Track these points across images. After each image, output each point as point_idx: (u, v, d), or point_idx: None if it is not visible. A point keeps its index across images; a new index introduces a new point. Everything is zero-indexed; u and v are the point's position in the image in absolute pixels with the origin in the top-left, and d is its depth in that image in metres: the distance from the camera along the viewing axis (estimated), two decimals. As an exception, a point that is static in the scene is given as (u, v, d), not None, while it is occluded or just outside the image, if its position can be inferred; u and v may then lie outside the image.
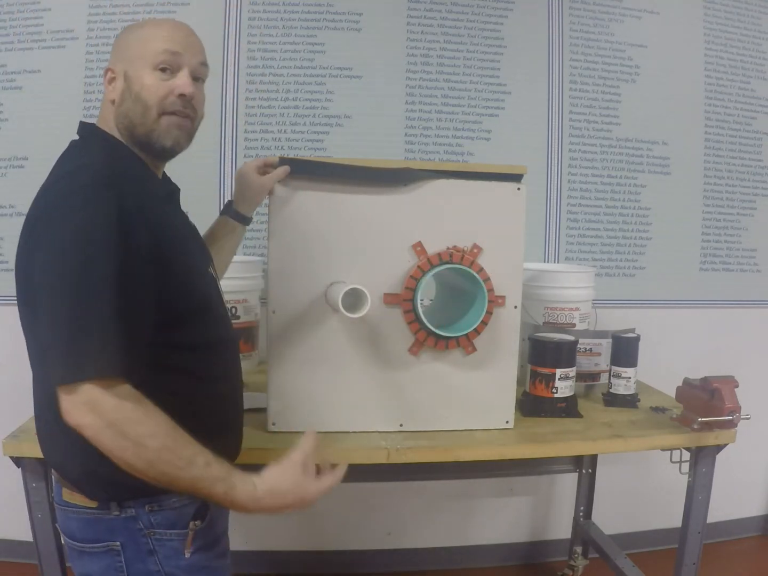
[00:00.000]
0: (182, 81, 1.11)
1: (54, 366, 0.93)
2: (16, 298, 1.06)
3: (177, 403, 0.99)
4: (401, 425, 1.57)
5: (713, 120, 2.52)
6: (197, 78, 1.16)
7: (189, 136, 1.16)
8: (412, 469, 1.78)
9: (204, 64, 1.17)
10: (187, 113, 1.13)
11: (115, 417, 0.92)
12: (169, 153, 1.16)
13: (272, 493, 1.03)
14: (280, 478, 1.04)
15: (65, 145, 1.14)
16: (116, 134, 1.13)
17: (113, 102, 1.13)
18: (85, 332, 0.92)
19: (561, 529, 2.53)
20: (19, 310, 1.07)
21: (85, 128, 1.16)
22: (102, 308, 0.93)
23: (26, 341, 1.08)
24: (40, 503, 1.42)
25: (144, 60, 1.10)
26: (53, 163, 1.13)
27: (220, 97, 2.23)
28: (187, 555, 1.11)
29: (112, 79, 1.13)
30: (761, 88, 2.56)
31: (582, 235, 2.47)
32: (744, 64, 2.54)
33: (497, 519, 2.53)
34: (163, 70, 1.10)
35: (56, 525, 1.18)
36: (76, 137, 1.16)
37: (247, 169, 1.44)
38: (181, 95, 1.11)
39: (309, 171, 1.46)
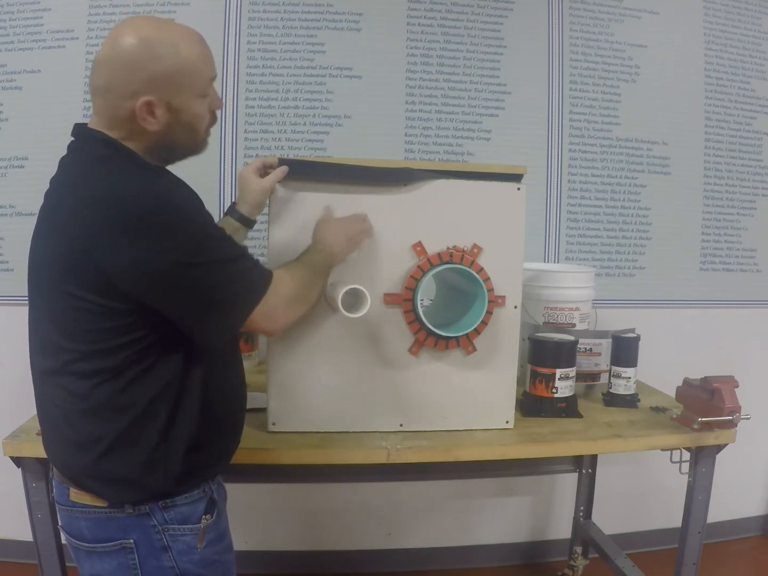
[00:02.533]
0: (217, 99, 1.17)
1: (238, 302, 1.09)
2: (44, 286, 1.06)
3: (212, 387, 1.14)
4: (401, 425, 1.57)
5: (713, 120, 2.52)
6: None
7: None
8: (412, 469, 1.78)
9: None
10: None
11: (297, 286, 1.19)
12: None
13: (324, 234, 1.35)
14: (324, 226, 1.38)
15: (65, 145, 1.13)
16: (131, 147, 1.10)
17: (151, 131, 1.08)
18: (248, 265, 1.12)
19: (561, 529, 2.54)
20: (53, 298, 1.05)
21: (98, 135, 1.10)
22: (235, 250, 1.12)
23: (52, 338, 1.06)
24: (40, 503, 1.42)
25: (194, 90, 1.10)
26: (53, 163, 1.13)
27: (221, 97, 2.23)
28: (200, 549, 1.13)
29: (151, 110, 1.07)
30: (761, 88, 2.56)
31: (582, 235, 2.47)
32: (744, 64, 2.54)
33: (497, 519, 2.53)
34: (206, 93, 1.14)
35: (59, 527, 1.18)
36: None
37: (247, 171, 1.44)
38: (214, 111, 1.17)
39: (309, 172, 1.46)
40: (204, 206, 1.09)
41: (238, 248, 1.13)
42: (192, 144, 1.17)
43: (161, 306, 1.04)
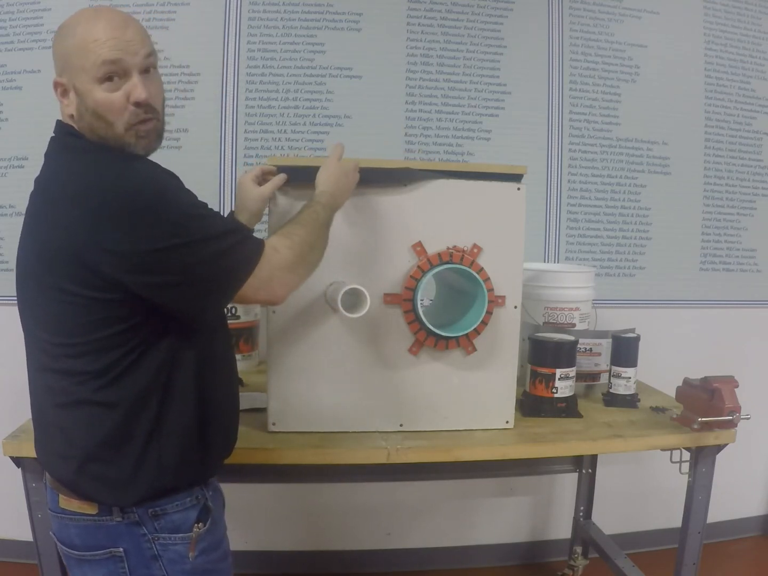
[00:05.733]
0: (135, 89, 1.06)
1: (224, 278, 1.07)
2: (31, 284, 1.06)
3: (203, 386, 1.12)
4: (401, 425, 1.57)
5: (713, 120, 2.52)
6: (147, 69, 1.09)
7: (159, 134, 1.14)
8: (412, 469, 1.78)
9: (150, 54, 1.09)
10: (149, 117, 1.10)
11: (296, 251, 1.15)
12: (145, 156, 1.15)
13: (329, 183, 1.33)
14: (326, 174, 1.35)
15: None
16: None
17: (72, 116, 1.09)
18: (236, 239, 1.08)
19: (561, 529, 2.53)
20: (37, 295, 1.05)
21: (62, 129, 1.12)
22: (220, 226, 1.08)
23: (47, 336, 1.06)
24: (40, 503, 1.42)
25: (87, 74, 1.05)
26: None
27: (221, 97, 2.23)
28: (191, 559, 1.11)
29: (64, 93, 1.08)
30: (761, 88, 2.55)
31: (582, 235, 2.47)
32: (744, 64, 2.53)
33: (497, 519, 2.53)
34: (110, 79, 1.05)
35: (50, 533, 1.16)
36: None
37: (245, 179, 1.43)
38: (138, 103, 1.07)
39: (308, 178, 1.45)
40: (183, 185, 1.07)
41: (225, 223, 1.10)
42: (114, 137, 1.07)
43: (147, 291, 1.02)
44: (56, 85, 1.09)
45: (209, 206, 1.10)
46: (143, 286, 1.01)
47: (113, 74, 1.05)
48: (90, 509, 1.07)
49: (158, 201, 1.00)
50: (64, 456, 1.08)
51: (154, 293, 1.02)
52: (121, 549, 1.07)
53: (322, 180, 1.34)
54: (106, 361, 1.03)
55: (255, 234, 1.52)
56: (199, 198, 1.09)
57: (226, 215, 1.48)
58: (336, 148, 1.40)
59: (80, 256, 0.98)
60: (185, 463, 1.10)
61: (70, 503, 1.08)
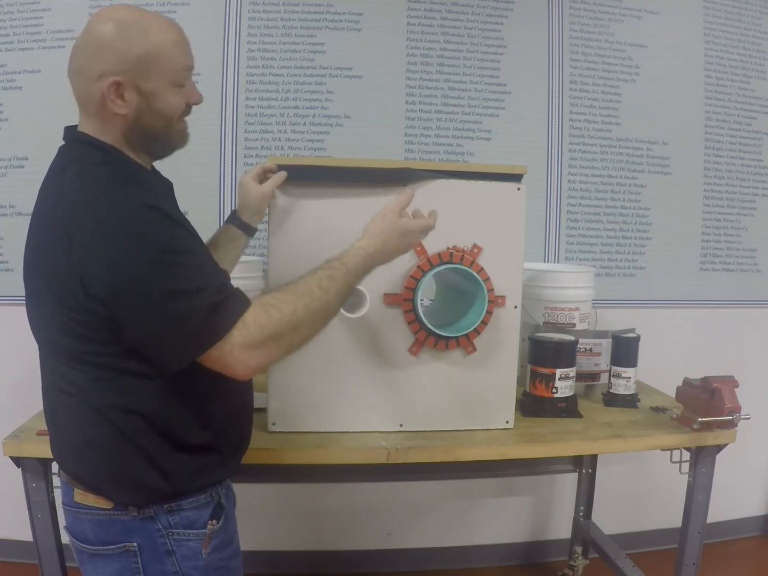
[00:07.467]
0: (196, 94, 1.14)
1: (180, 341, 0.99)
2: (31, 301, 1.06)
3: (210, 389, 1.10)
4: (401, 425, 1.57)
5: (713, 120, 2.52)
6: None
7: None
8: (412, 469, 1.78)
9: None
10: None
11: (266, 333, 1.02)
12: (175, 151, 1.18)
13: (376, 239, 1.18)
14: (378, 225, 1.20)
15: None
16: (107, 140, 1.09)
17: (121, 115, 1.06)
18: (199, 306, 0.98)
19: (561, 529, 2.54)
20: (48, 314, 1.05)
21: (78, 136, 1.12)
22: (198, 281, 1.00)
23: (48, 343, 1.08)
24: (40, 503, 1.42)
25: (166, 77, 1.06)
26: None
27: (220, 97, 2.23)
28: (205, 555, 1.12)
29: (120, 92, 1.05)
30: (761, 88, 2.56)
31: (582, 235, 2.47)
32: (744, 64, 2.54)
33: (497, 519, 2.53)
34: (182, 84, 1.10)
35: (63, 527, 1.17)
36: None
37: (246, 178, 1.43)
38: (191, 106, 1.14)
39: (308, 176, 1.45)
40: (174, 224, 1.02)
41: (204, 279, 1.01)
42: (165, 133, 1.11)
43: (117, 322, 0.99)
44: (113, 84, 1.04)
45: (197, 251, 1.05)
46: (111, 316, 0.99)
47: (187, 79, 1.11)
48: (105, 503, 1.08)
49: (138, 236, 0.97)
50: (75, 454, 1.09)
51: (123, 328, 1.00)
52: (135, 543, 1.08)
53: (371, 232, 1.19)
54: (111, 372, 1.04)
55: (256, 236, 1.53)
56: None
57: (227, 212, 1.48)
58: (403, 197, 1.24)
59: (66, 280, 0.99)
60: (197, 470, 1.11)
61: (85, 497, 1.09)
